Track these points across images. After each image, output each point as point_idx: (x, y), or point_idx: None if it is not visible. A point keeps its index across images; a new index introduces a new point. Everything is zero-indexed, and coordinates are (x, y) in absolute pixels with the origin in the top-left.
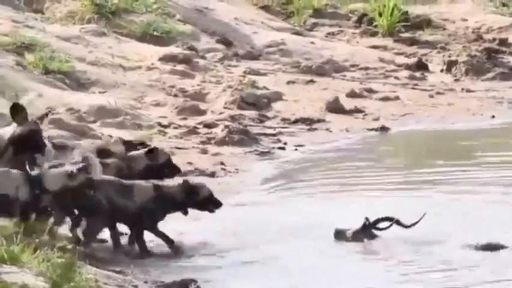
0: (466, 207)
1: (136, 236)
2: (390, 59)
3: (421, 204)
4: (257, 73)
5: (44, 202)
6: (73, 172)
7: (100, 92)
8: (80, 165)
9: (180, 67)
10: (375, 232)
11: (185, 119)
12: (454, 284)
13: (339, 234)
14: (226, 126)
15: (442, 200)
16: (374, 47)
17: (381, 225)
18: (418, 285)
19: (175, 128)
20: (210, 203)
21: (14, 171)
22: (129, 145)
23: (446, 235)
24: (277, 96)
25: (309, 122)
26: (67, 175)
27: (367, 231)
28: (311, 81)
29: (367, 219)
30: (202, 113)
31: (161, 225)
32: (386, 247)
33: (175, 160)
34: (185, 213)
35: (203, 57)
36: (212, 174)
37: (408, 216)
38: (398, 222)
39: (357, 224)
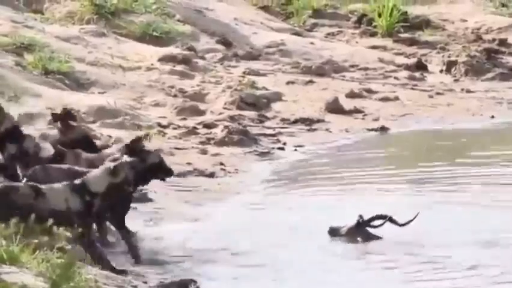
0: (463, 206)
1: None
2: (389, 59)
3: (420, 204)
4: (257, 73)
5: (96, 207)
6: (113, 168)
7: (99, 93)
8: (116, 157)
9: (180, 67)
10: (370, 230)
11: (184, 119)
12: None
13: (334, 232)
14: (226, 127)
15: (439, 199)
16: (374, 47)
17: (375, 223)
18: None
19: (175, 128)
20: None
21: (58, 185)
22: None
23: (441, 233)
24: (277, 97)
25: (308, 122)
26: (110, 173)
27: (361, 228)
28: (311, 81)
29: (361, 216)
30: (202, 113)
31: (159, 226)
32: (385, 247)
33: (175, 160)
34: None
35: (202, 58)
36: (211, 175)
37: (407, 215)
38: (392, 221)
39: (352, 222)
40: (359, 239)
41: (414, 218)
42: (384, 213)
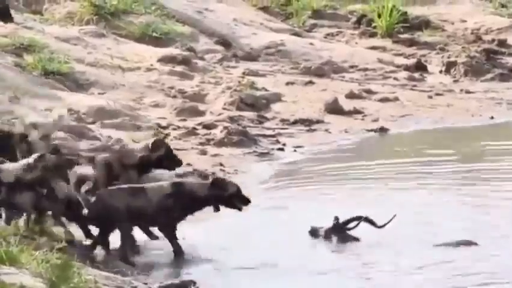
0: (457, 204)
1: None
2: (389, 60)
3: (420, 203)
4: (256, 74)
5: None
6: (29, 164)
7: (99, 93)
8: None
9: (179, 68)
10: (347, 230)
11: (184, 120)
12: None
13: (314, 232)
14: (225, 127)
15: (437, 198)
16: (373, 48)
17: (352, 224)
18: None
19: (174, 129)
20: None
21: None
22: None
23: (422, 234)
24: (276, 97)
25: (308, 123)
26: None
27: (338, 230)
28: (310, 82)
29: (336, 218)
30: (201, 114)
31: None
32: (359, 247)
33: None
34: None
35: (202, 58)
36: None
37: (406, 215)
38: (371, 222)
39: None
40: (334, 240)
41: (391, 220)
42: (365, 214)
